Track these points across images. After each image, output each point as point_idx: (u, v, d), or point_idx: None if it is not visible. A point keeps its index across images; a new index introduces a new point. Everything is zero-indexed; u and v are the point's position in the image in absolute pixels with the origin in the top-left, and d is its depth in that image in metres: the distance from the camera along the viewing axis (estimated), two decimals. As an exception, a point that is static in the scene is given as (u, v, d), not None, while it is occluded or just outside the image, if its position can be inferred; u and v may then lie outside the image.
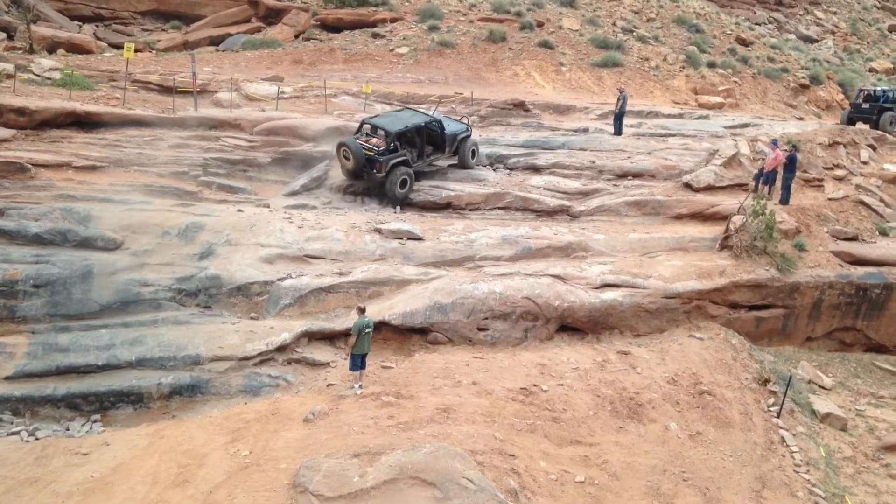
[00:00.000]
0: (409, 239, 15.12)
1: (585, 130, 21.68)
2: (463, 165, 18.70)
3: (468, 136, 19.02)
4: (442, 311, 13.51)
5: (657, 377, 13.23)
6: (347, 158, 17.09)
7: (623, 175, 18.47)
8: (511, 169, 19.05)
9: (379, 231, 15.26)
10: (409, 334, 13.54)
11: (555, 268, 14.85)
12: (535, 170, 18.83)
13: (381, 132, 17.37)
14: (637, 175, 18.45)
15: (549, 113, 23.79)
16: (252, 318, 13.26)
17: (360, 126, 17.69)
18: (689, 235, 16.38)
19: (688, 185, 17.87)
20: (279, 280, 13.67)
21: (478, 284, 14.00)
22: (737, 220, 15.92)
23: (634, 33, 30.93)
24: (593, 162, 18.83)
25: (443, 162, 18.72)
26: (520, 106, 22.95)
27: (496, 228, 15.93)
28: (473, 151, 18.85)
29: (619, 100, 21.14)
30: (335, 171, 18.16)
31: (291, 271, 13.94)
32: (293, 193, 17.72)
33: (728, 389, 13.37)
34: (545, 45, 28.53)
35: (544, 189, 17.86)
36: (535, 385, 12.39)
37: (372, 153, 17.02)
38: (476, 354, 13.21)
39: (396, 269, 14.34)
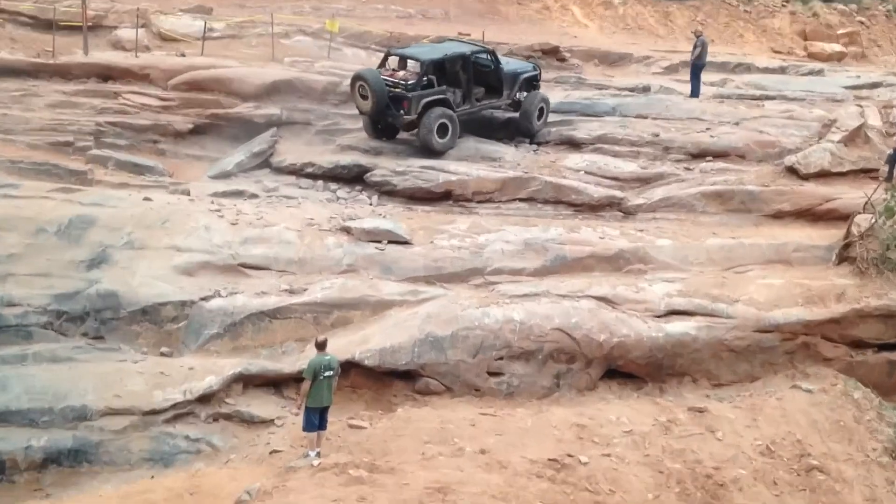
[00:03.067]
0: (390, 242, 15.23)
1: (646, 90, 21.92)
2: (523, 126, 19.27)
3: (536, 83, 19.63)
4: (437, 348, 13.59)
5: (746, 446, 13.23)
6: (364, 97, 17.66)
7: (699, 154, 18.67)
8: (538, 144, 19.25)
9: (348, 231, 15.38)
10: (390, 380, 13.59)
11: (600, 287, 14.92)
12: (574, 145, 19.02)
13: (411, 63, 18.22)
14: (719, 155, 18.66)
15: (594, 64, 23.92)
16: (163, 355, 13.32)
17: (385, 58, 18.61)
18: (794, 242, 16.48)
19: (792, 170, 18.05)
20: (203, 300, 13.74)
21: (489, 310, 14.08)
22: (862, 221, 15.99)
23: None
24: (657, 135, 19.03)
25: (498, 112, 19.54)
26: (552, 53, 23.11)
27: (516, 229, 16.04)
28: (542, 109, 19.31)
29: (695, 47, 21.35)
30: (288, 144, 18.28)
31: (221, 287, 14.01)
32: (225, 175, 17.80)
33: (848, 464, 13.39)
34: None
35: (585, 173, 18.03)
36: (569, 455, 12.38)
37: (398, 88, 17.61)
38: (485, 410, 13.23)
39: (372, 285, 14.42)
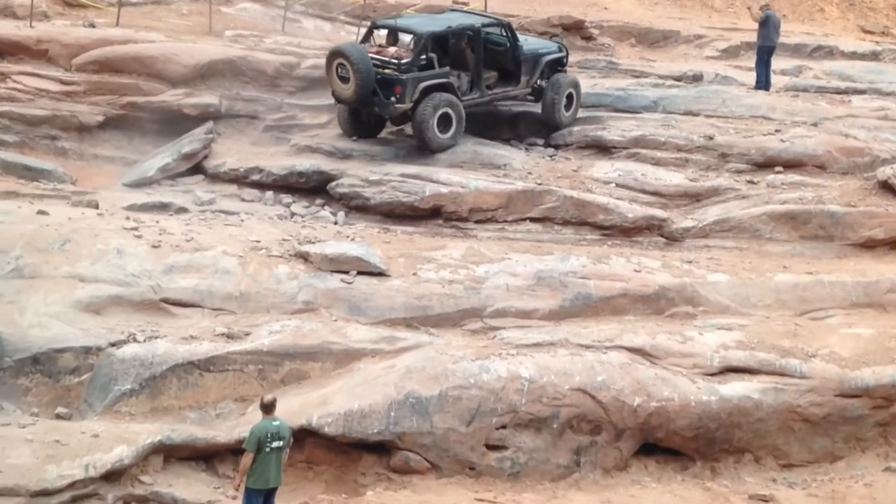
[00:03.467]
0: (360, 274, 15.30)
1: (697, 78, 22.22)
2: (548, 119, 19.72)
3: (562, 65, 20.09)
4: (420, 412, 13.61)
5: (824, 547, 13.30)
6: (345, 79, 17.92)
7: (766, 164, 18.95)
8: (556, 147, 19.49)
9: (305, 257, 15.46)
10: (358, 454, 13.57)
11: (634, 335, 15.00)
12: (602, 149, 19.28)
13: (405, 38, 18.52)
14: (792, 164, 18.92)
15: (630, 44, 24.18)
16: (60, 417, 13.30)
17: (370, 31, 19.22)
18: (889, 280, 16.63)
19: (887, 186, 18.24)
20: (113, 346, 13.73)
21: (488, 363, 14.11)
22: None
23: None
24: (711, 138, 19.30)
25: (515, 101, 20.02)
26: (575, 30, 23.30)
27: (525, 258, 16.14)
28: (571, 97, 19.73)
29: (761, 25, 21.57)
30: (229, 143, 18.43)
31: (137, 329, 14.03)
32: (145, 183, 17.88)
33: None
34: None
35: (617, 186, 18.25)
36: (593, 557, 12.46)
37: (389, 69, 18.00)
38: (482, 495, 13.22)
39: (336, 329, 14.47)
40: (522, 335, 14.77)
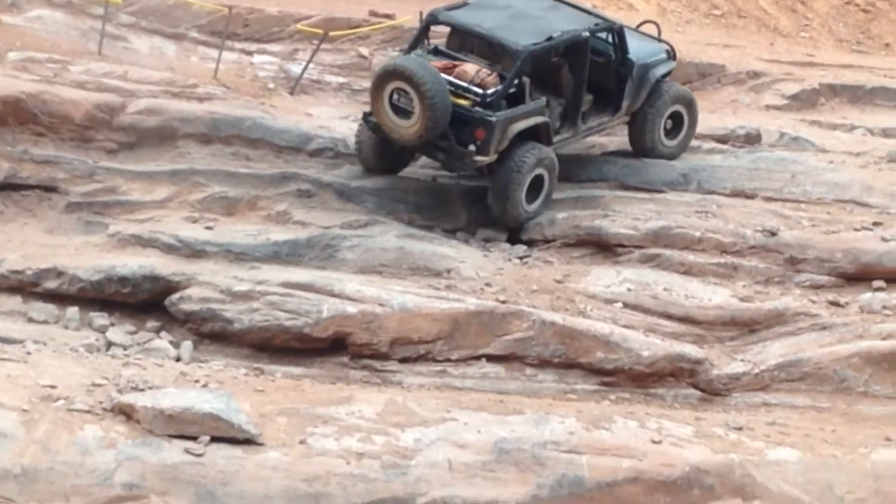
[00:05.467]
0: (215, 441, 15.26)
1: (752, 139, 22.52)
2: (639, 149, 21.19)
3: (667, 77, 21.21)
4: None
5: None
6: (405, 112, 18.68)
7: (858, 276, 19.35)
8: (528, 243, 19.83)
9: (128, 413, 15.40)
10: None
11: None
12: (602, 248, 19.61)
13: (489, 50, 19.49)
14: (896, 278, 19.21)
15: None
16: None
17: (425, 30, 20.36)
18: None
19: None
20: None
21: None
22: None
23: None
24: (773, 233, 19.72)
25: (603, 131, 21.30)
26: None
27: (478, 419, 16.22)
28: (680, 117, 21.02)
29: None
30: (10, 231, 18.45)
31: None
32: None
33: None
34: None
35: (626, 306, 18.50)
36: None
37: (469, 99, 18.78)
38: None
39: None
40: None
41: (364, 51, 23.56)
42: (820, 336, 18.38)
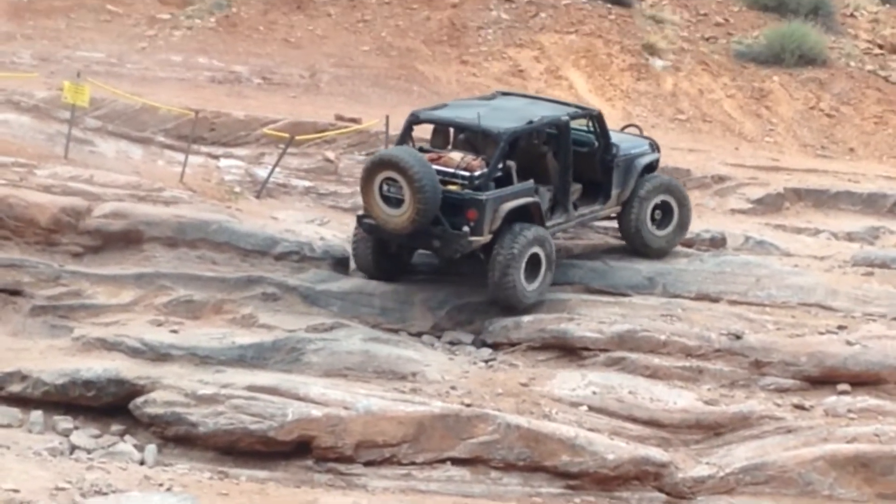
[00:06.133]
0: None
1: (717, 243, 22.58)
2: (631, 242, 21.48)
3: (652, 170, 21.55)
4: None
5: None
6: (395, 201, 18.90)
7: (823, 379, 19.32)
8: (493, 346, 19.89)
9: (91, 518, 15.40)
10: None
11: None
12: (568, 352, 19.61)
13: (470, 138, 19.89)
14: (863, 380, 19.29)
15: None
16: None
17: (409, 128, 20.63)
18: None
19: None
20: None
21: None
22: None
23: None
24: (738, 337, 19.73)
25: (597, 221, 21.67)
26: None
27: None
28: (668, 207, 21.26)
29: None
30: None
31: None
32: None
33: None
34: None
35: (591, 410, 18.46)
36: None
37: (457, 184, 19.27)
38: None
39: None
40: None
41: (330, 155, 23.60)
42: (785, 439, 18.37)
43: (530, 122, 20.01)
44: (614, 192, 20.96)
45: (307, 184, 23.25)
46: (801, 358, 19.44)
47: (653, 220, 21.16)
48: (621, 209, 21.26)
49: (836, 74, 30.32)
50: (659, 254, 21.36)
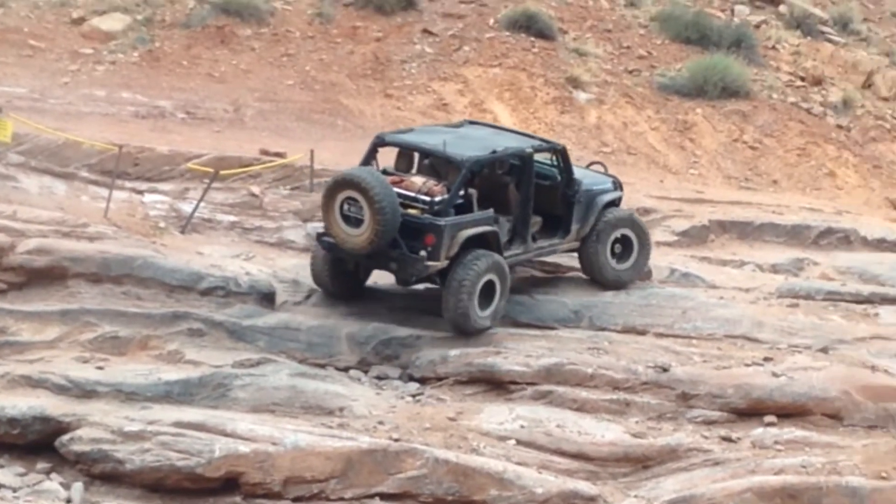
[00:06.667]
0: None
1: (644, 275, 22.48)
2: (592, 275, 22.14)
3: (617, 205, 22.12)
4: None
5: None
6: (355, 221, 19.12)
7: (749, 411, 19.45)
8: (420, 381, 19.91)
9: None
10: None
11: None
12: (495, 385, 19.64)
13: (434, 164, 20.73)
14: (790, 412, 19.44)
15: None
16: None
17: (374, 150, 20.92)
18: None
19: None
20: None
21: None
22: None
23: (785, 16, 33.95)
24: (665, 369, 19.81)
25: (558, 255, 22.27)
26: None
27: None
28: (628, 241, 21.65)
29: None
30: None
31: None
32: None
33: None
34: (529, 26, 31.03)
35: (519, 444, 18.45)
36: None
37: (418, 208, 19.61)
38: None
39: None
40: None
41: (255, 189, 23.58)
42: (713, 472, 18.41)
43: (494, 151, 20.30)
44: (574, 227, 21.21)
45: (232, 218, 23.21)
46: (728, 390, 19.52)
47: (612, 253, 21.41)
48: (581, 245, 21.52)
49: (759, 107, 30.69)
50: (618, 286, 21.60)
